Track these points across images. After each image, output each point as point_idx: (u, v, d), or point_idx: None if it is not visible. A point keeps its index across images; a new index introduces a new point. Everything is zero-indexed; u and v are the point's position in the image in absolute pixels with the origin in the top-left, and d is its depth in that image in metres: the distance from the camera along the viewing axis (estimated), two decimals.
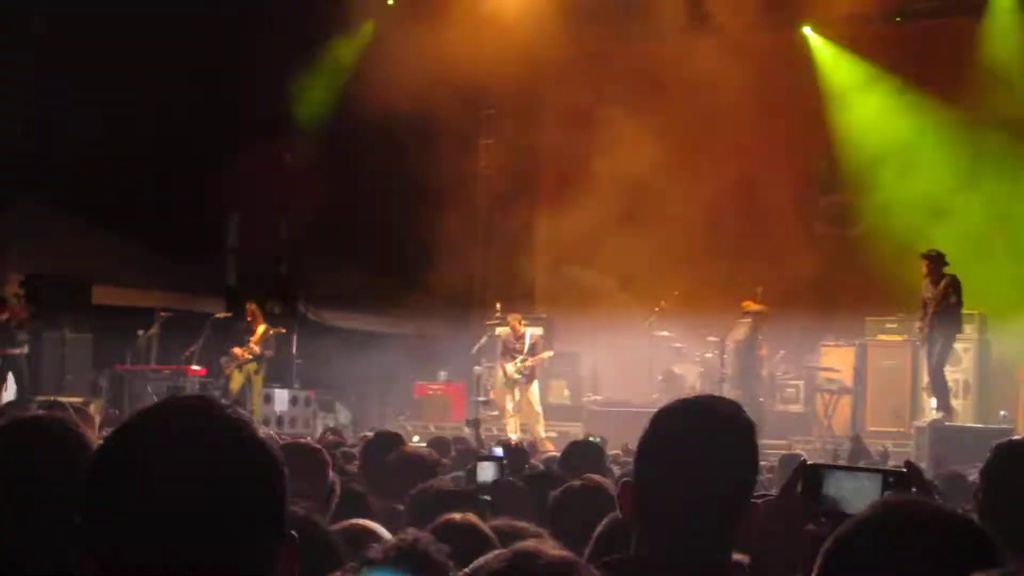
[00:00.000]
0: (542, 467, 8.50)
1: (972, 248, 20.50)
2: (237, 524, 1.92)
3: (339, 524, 4.18)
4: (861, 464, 9.25)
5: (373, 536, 3.83)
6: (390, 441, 7.90)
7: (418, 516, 4.71)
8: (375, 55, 21.37)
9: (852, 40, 22.14)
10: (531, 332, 20.42)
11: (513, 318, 20.66)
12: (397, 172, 22.95)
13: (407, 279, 23.64)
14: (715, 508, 2.91)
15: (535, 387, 20.17)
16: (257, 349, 20.08)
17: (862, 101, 22.07)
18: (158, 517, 1.88)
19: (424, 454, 7.26)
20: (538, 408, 20.14)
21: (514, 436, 19.15)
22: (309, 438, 10.85)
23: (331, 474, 5.74)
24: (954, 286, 16.84)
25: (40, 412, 3.42)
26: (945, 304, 16.85)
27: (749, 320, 19.13)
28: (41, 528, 2.80)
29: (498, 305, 22.58)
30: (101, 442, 2.03)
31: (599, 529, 3.72)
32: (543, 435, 19.44)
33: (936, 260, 16.93)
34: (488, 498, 5.59)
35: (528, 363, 20.02)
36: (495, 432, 19.21)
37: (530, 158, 24.66)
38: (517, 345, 20.20)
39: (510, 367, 20.02)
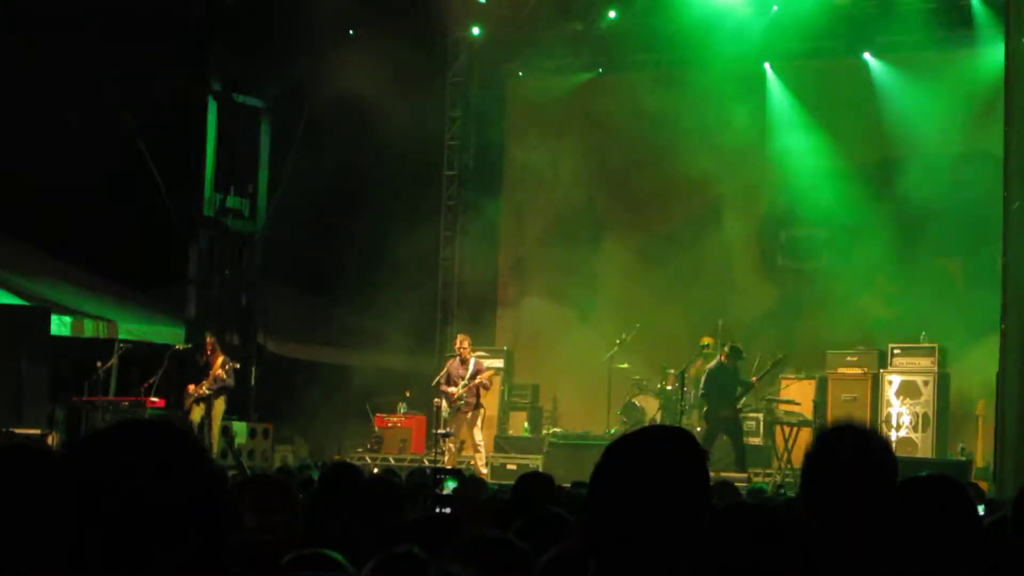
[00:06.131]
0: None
1: (932, 281, 20.62)
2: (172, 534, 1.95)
3: (299, 552, 4.11)
4: None
5: (335, 565, 3.81)
6: (345, 473, 7.82)
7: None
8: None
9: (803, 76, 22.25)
10: (476, 359, 19.69)
11: (460, 339, 19.84)
12: (358, 198, 22.86)
13: (368, 311, 23.53)
14: (666, 535, 2.90)
15: (479, 418, 19.35)
16: (212, 385, 19.88)
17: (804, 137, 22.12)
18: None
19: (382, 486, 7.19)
20: (478, 439, 19.32)
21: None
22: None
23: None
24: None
25: None
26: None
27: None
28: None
29: (459, 337, 22.53)
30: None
31: (548, 555, 3.66)
32: (483, 471, 18.63)
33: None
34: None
35: (470, 386, 19.12)
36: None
37: (494, 189, 24.64)
38: (462, 371, 19.42)
39: (452, 390, 19.35)
